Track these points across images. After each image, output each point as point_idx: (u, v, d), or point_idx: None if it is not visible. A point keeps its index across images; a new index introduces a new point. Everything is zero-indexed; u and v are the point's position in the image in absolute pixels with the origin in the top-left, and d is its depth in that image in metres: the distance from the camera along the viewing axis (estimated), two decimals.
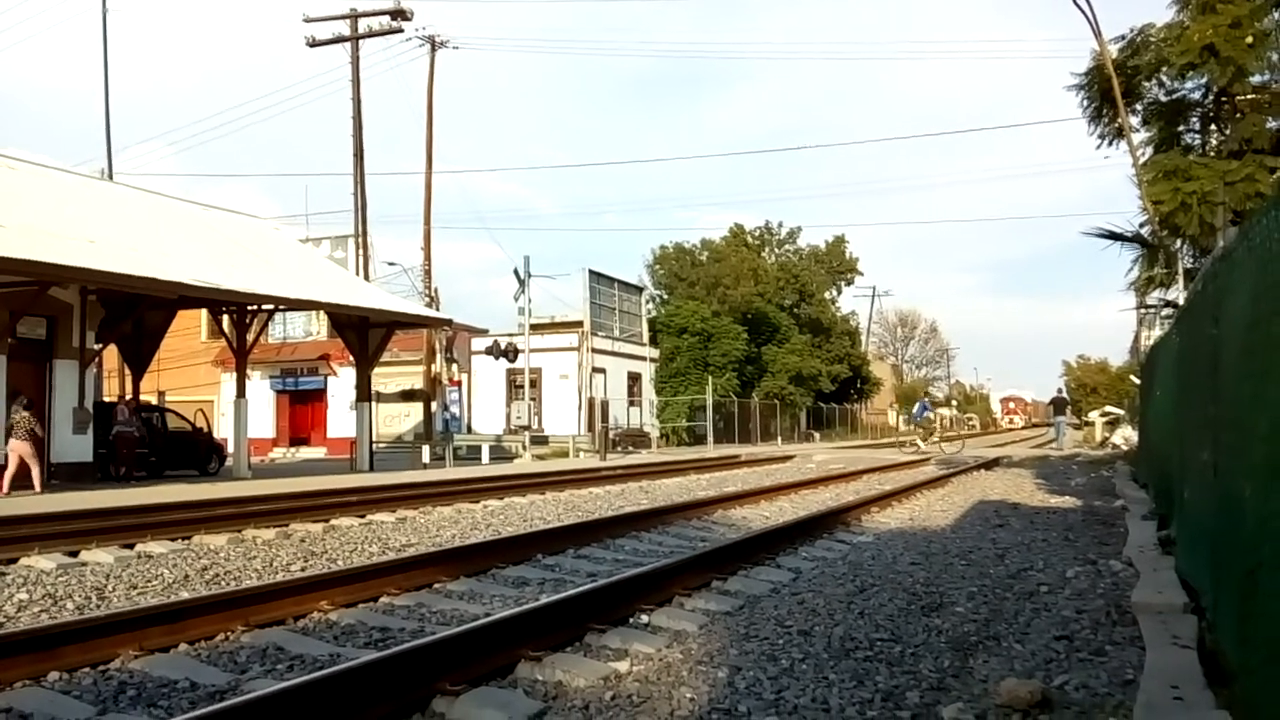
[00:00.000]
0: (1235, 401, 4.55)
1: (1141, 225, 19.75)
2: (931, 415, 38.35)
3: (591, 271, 43.92)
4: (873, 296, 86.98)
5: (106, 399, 26.03)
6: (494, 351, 36.15)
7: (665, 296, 58.63)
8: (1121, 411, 43.22)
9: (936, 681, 4.97)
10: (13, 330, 19.76)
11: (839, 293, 68.32)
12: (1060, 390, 45.74)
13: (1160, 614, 5.91)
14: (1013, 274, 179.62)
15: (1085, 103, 20.63)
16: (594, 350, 42.55)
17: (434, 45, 35.25)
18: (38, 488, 18.32)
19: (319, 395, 43.09)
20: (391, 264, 41.12)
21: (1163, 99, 19.92)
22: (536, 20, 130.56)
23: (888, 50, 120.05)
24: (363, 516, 13.11)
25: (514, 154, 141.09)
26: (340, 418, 39.20)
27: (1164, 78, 19.23)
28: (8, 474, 18.31)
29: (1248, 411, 4.17)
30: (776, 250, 65.59)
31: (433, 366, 35.49)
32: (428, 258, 34.78)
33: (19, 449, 18.49)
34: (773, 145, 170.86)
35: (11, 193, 20.85)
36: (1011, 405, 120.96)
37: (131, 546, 10.16)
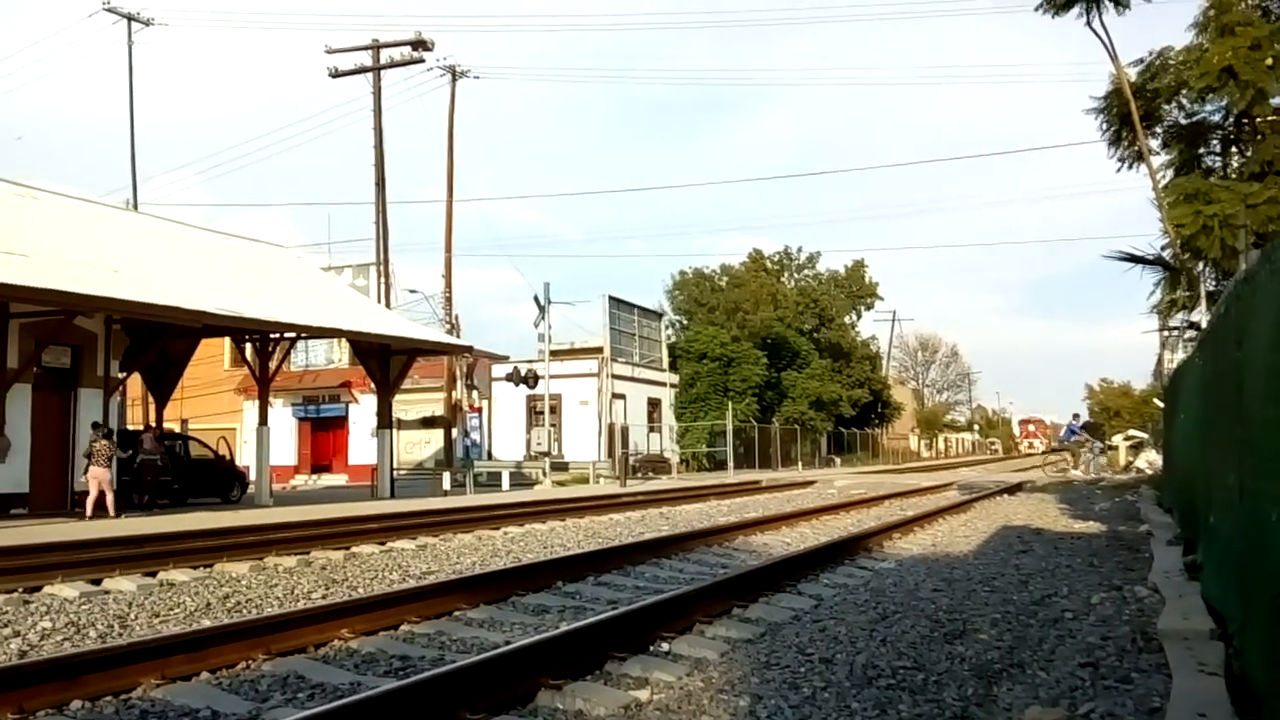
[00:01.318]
0: (1260, 424, 4.51)
1: (1163, 248, 19.68)
2: (1081, 436, 37.80)
3: (611, 298, 44.02)
4: (893, 321, 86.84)
5: (130, 427, 26.19)
6: (514, 378, 36.23)
7: (685, 322, 58.62)
8: (1145, 435, 42.88)
9: (960, 710, 4.93)
10: (38, 359, 19.93)
11: (859, 317, 68.10)
12: (1089, 415, 45.38)
13: (1187, 640, 5.84)
14: (1034, 297, 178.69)
15: (1104, 126, 20.63)
16: (614, 376, 42.58)
17: (455, 75, 35.56)
18: (113, 513, 18.74)
19: (340, 422, 43.24)
20: (413, 291, 41.47)
21: (1182, 122, 19.89)
22: (556, 49, 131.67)
23: (906, 75, 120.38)
24: (383, 544, 13.12)
25: (535, 181, 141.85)
26: (361, 445, 39.31)
27: (1183, 100, 19.21)
28: (90, 499, 18.78)
29: (1273, 434, 4.14)
30: (796, 275, 65.50)
31: (453, 393, 35.57)
32: (448, 285, 34.95)
33: (100, 476, 18.93)
34: (792, 171, 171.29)
35: (37, 223, 21.09)
36: (1030, 428, 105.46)
37: (154, 574, 10.20)
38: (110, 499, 18.93)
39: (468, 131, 56.73)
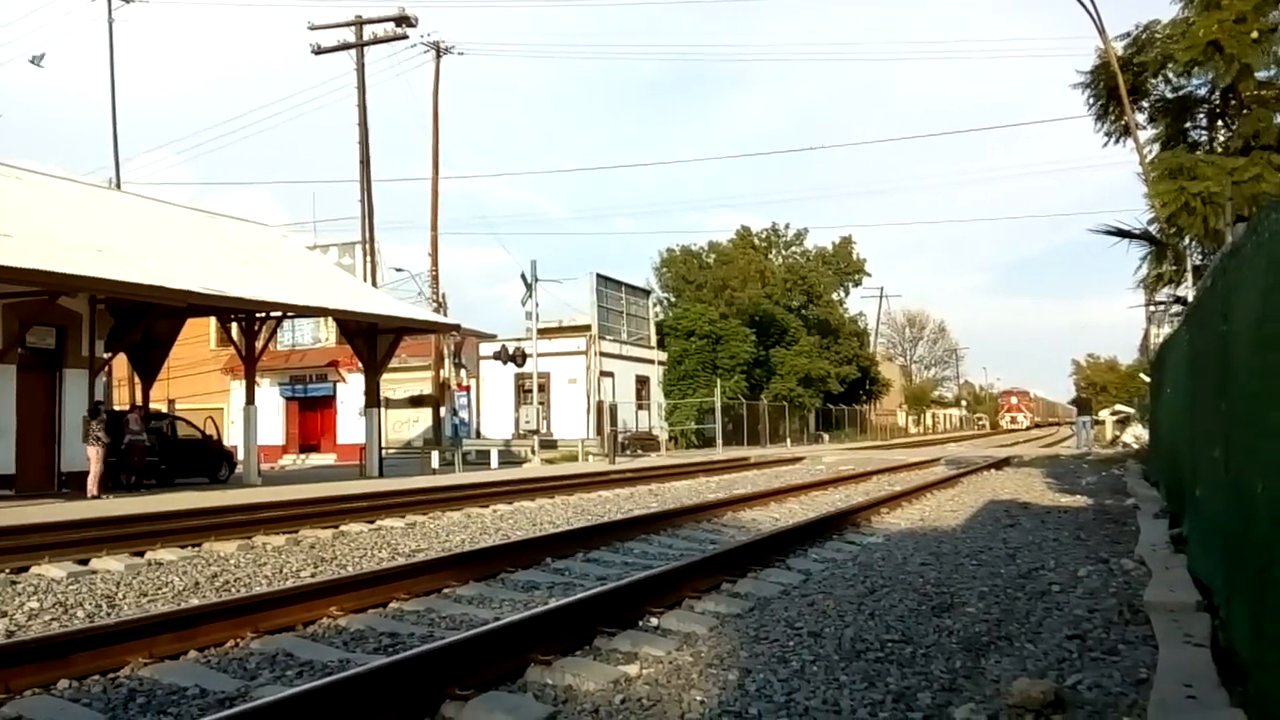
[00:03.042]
0: (1246, 398, 4.52)
1: (1150, 222, 19.71)
2: None
3: (598, 275, 43.93)
4: (880, 297, 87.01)
5: (116, 407, 26.08)
6: (502, 356, 36.15)
7: (673, 299, 58.64)
8: (1132, 410, 43.12)
9: (948, 682, 4.95)
10: (22, 340, 19.81)
11: (847, 294, 68.27)
12: (1076, 391, 45.61)
13: (1173, 612, 5.88)
14: (1021, 273, 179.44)
15: (1091, 100, 20.62)
16: (602, 354, 42.55)
17: (439, 51, 35.31)
18: (93, 491, 18.82)
19: (328, 402, 43.16)
20: (399, 270, 41.27)
21: (1169, 96, 19.87)
22: (541, 25, 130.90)
23: (893, 51, 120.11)
24: (372, 522, 13.11)
25: (520, 159, 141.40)
26: (349, 424, 39.24)
27: (1170, 74, 19.17)
28: (96, 477, 18.96)
29: (1259, 407, 4.14)
30: (784, 252, 65.54)
31: (441, 372, 35.52)
32: (435, 263, 34.85)
33: (92, 454, 19.10)
34: (779, 147, 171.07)
35: (19, 203, 20.91)
36: (1014, 400, 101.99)
37: (142, 554, 10.17)
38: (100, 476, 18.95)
39: (452, 109, 56.70)
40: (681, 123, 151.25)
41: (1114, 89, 19.40)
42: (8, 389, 19.89)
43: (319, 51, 34.59)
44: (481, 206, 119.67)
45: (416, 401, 39.70)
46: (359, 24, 34.36)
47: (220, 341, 39.52)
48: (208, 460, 25.74)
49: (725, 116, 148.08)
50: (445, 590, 7.82)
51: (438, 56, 35.26)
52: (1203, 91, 19.22)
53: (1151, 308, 26.58)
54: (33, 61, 36.87)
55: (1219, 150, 18.52)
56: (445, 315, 32.60)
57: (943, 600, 6.98)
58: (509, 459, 33.35)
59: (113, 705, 4.89)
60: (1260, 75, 17.64)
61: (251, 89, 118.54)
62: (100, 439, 19.09)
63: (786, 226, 65.58)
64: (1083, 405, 39.17)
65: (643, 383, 46.80)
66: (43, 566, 9.30)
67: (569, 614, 6.05)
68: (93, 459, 19.00)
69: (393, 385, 37.88)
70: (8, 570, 9.05)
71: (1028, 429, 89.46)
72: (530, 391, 35.65)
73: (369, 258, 34.81)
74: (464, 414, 38.55)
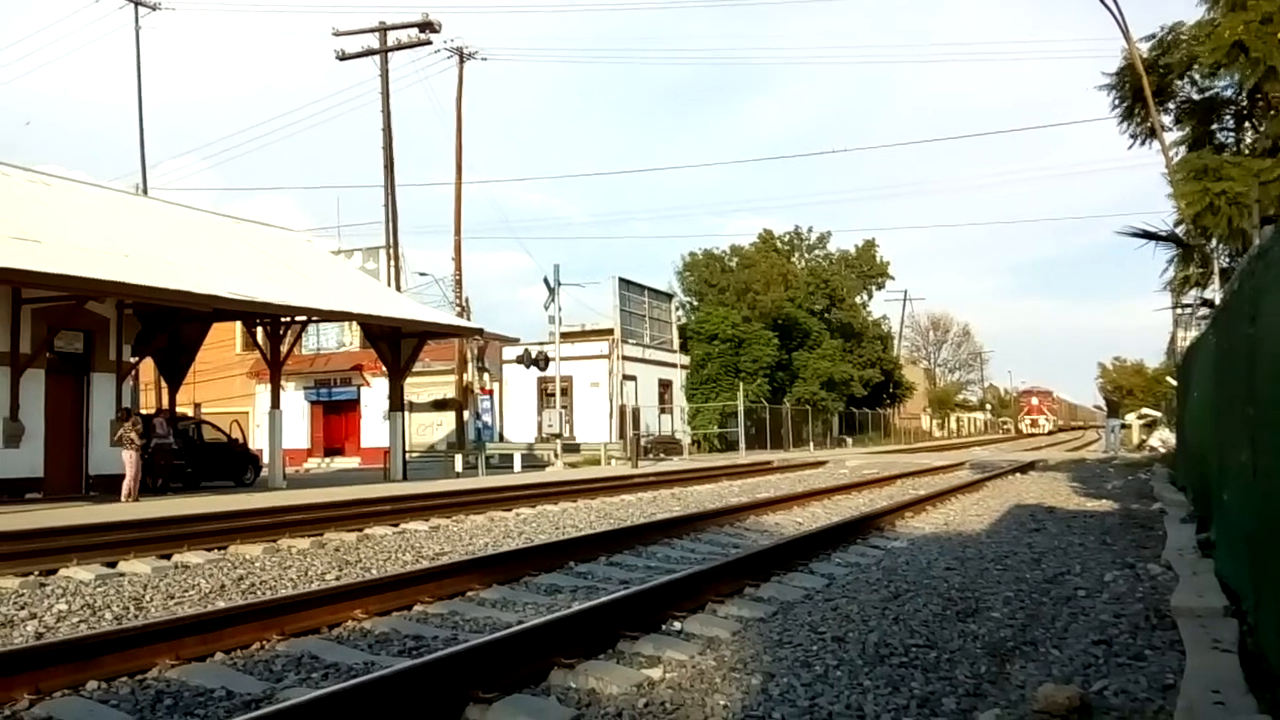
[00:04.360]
0: (1274, 401, 4.49)
1: (1176, 224, 19.54)
2: None
3: (621, 279, 43.97)
4: (904, 300, 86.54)
5: (144, 412, 26.30)
6: (525, 360, 36.22)
7: (695, 303, 58.56)
8: (1159, 414, 42.79)
9: (973, 688, 4.93)
10: (50, 344, 20.03)
11: (870, 297, 68.00)
12: (1102, 394, 45.22)
13: (1200, 617, 5.83)
14: (1046, 276, 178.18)
15: (1117, 102, 20.48)
16: (624, 358, 42.58)
17: (462, 57, 35.42)
18: (131, 495, 18.89)
19: (352, 405, 43.37)
20: (423, 274, 41.38)
21: (1194, 97, 19.71)
22: (563, 30, 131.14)
23: (915, 53, 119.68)
24: (396, 525, 13.16)
25: (542, 163, 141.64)
26: (374, 427, 39.44)
27: (1195, 76, 19.03)
28: (132, 481, 19.01)
29: None
30: (806, 255, 65.37)
31: (464, 376, 35.59)
32: (458, 268, 34.93)
33: (130, 458, 19.22)
34: (801, 150, 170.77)
35: (47, 209, 21.14)
36: (1035, 401, 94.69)
37: (169, 557, 10.25)
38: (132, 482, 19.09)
39: (475, 114, 56.82)
40: (704, 126, 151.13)
41: (1139, 91, 19.27)
42: (36, 393, 20.09)
43: (343, 58, 34.80)
44: (503, 210, 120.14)
45: (440, 405, 39.78)
46: (383, 30, 34.53)
47: (246, 346, 39.71)
48: (233, 464, 25.93)
49: (745, 120, 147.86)
50: (469, 593, 7.84)
51: (461, 62, 35.38)
52: (1229, 93, 19.06)
53: (1178, 310, 26.35)
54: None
55: (1246, 152, 18.34)
56: (468, 319, 32.70)
57: (967, 605, 6.95)
58: (532, 463, 33.40)
59: (141, 706, 4.93)
60: None
61: (277, 95, 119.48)
62: (134, 441, 19.19)
63: (809, 230, 65.49)
64: (1112, 408, 38.91)
65: (665, 386, 46.80)
66: (71, 569, 9.38)
67: (592, 617, 6.06)
68: (128, 463, 19.09)
69: (416, 389, 38.00)
70: (37, 572, 9.14)
71: (1050, 433, 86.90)
72: (553, 395, 35.74)
73: (393, 262, 34.96)
74: (487, 418, 38.62)
